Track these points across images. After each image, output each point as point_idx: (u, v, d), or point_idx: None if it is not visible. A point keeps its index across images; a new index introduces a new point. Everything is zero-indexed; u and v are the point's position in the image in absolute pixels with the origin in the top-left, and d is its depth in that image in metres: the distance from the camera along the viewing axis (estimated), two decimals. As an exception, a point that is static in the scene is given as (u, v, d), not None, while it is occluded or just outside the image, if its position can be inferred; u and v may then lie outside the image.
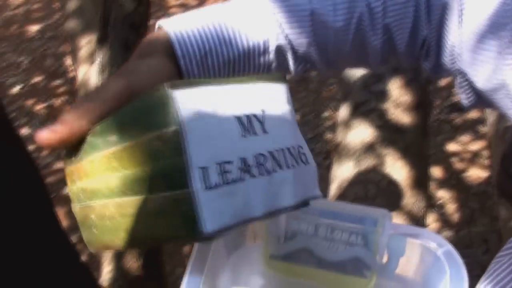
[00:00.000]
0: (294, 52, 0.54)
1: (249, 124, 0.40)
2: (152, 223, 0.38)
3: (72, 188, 0.44)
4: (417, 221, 1.21)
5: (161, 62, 0.48)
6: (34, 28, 3.44)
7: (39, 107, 2.81)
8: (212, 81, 0.39)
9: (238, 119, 0.39)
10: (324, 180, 1.35)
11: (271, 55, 0.53)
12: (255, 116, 0.40)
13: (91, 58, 1.55)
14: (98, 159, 0.41)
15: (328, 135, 2.49)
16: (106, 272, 1.26)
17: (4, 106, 0.93)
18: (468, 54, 0.49)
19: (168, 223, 0.37)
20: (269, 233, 0.53)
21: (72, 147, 0.43)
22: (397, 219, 1.17)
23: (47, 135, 0.41)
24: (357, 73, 1.43)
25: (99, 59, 1.38)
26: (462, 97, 0.55)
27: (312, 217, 0.52)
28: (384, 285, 0.51)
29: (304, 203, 0.44)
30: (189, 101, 0.37)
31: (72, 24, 1.71)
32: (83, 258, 1.83)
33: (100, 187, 0.41)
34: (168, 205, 0.36)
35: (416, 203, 1.24)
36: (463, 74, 0.52)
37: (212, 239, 0.37)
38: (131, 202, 0.38)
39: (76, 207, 0.45)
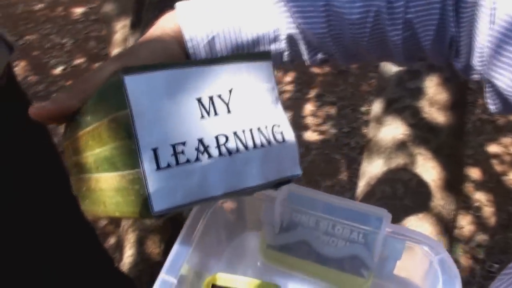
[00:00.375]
0: (307, 42, 0.53)
1: (210, 105, 0.40)
2: (118, 199, 0.40)
3: (68, 162, 0.48)
4: (446, 224, 1.18)
5: (166, 45, 0.48)
6: (78, 10, 3.51)
7: (80, 88, 2.85)
8: (180, 64, 0.40)
9: (199, 100, 0.39)
10: (357, 176, 1.33)
11: (283, 44, 0.52)
12: (219, 96, 0.40)
13: (125, 42, 1.56)
14: (80, 137, 0.43)
15: (365, 130, 2.45)
16: (127, 256, 1.27)
17: (25, 92, 0.94)
18: (494, 56, 0.47)
19: (128, 200, 0.38)
20: (265, 222, 0.52)
21: (70, 124, 0.46)
22: (425, 221, 1.14)
23: (36, 110, 0.43)
24: (393, 68, 1.40)
25: (131, 44, 1.39)
26: (489, 102, 0.52)
27: (314, 211, 0.51)
28: (380, 285, 0.50)
29: (284, 182, 0.43)
30: (142, 85, 0.37)
31: (108, 8, 1.73)
32: (111, 240, 1.87)
33: (84, 163, 0.44)
34: (126, 184, 0.38)
35: (446, 206, 1.21)
36: (488, 79, 0.49)
37: (166, 215, 0.38)
38: (103, 178, 0.41)
39: (72, 180, 0.48)
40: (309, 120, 2.55)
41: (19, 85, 0.92)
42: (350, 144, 2.41)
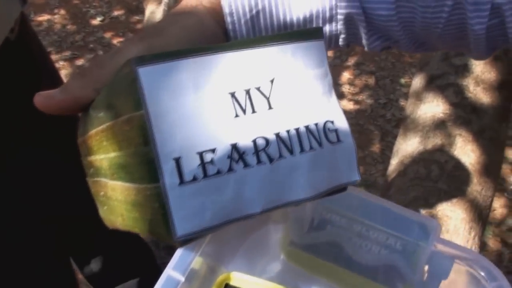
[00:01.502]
0: (369, 25, 0.45)
1: (247, 101, 0.33)
2: (136, 215, 0.33)
3: (83, 161, 0.40)
4: (481, 211, 1.13)
5: (200, 20, 0.41)
6: (119, -40, 3.45)
7: (117, 40, 2.84)
8: (208, 49, 0.33)
9: (232, 95, 0.32)
10: (390, 149, 1.28)
11: (340, 25, 0.45)
12: (258, 89, 0.33)
13: (160, -2, 1.51)
14: (93, 136, 0.36)
15: (403, 103, 2.39)
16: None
17: (43, 49, 0.88)
18: None
19: (147, 219, 0.32)
20: (292, 217, 0.46)
21: (84, 117, 0.39)
22: (458, 206, 1.09)
23: (44, 100, 0.37)
24: (439, 42, 1.32)
25: (166, 1, 1.34)
26: None
27: (349, 211, 0.45)
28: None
29: (337, 190, 0.37)
30: (161, 78, 0.31)
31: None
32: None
33: (100, 166, 0.36)
34: (143, 200, 0.32)
35: (483, 192, 1.16)
36: None
37: (192, 240, 0.31)
38: (119, 188, 0.34)
39: (89, 181, 0.40)
40: (346, 89, 2.48)
41: (36, 40, 0.85)
42: (386, 116, 2.35)
